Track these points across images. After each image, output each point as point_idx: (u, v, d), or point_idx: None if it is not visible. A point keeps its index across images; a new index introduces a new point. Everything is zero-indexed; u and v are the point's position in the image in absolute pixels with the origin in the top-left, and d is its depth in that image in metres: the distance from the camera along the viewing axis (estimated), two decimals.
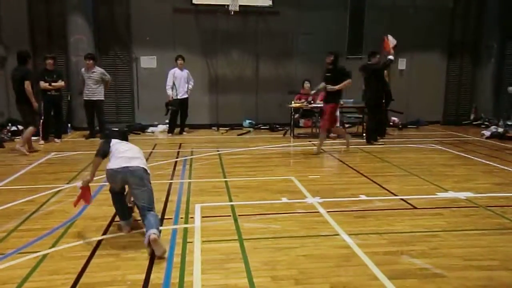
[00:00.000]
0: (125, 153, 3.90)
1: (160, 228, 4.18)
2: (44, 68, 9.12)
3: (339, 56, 8.16)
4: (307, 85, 10.56)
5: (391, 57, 8.95)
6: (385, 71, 10.34)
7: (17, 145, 8.03)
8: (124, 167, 3.79)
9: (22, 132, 8.73)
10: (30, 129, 8.07)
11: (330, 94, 8.00)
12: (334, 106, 8.05)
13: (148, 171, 3.93)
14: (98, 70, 9.64)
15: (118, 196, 4.00)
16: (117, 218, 4.44)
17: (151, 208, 3.78)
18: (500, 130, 10.18)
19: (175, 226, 4.25)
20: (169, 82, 10.28)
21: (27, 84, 7.89)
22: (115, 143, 4.03)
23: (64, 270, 3.30)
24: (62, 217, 4.50)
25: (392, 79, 11.49)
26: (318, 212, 4.66)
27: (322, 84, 8.03)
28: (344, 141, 8.55)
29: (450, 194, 5.34)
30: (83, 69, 9.63)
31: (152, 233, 3.50)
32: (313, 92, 8.78)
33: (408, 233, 4.07)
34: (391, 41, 9.01)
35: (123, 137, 4.34)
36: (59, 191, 5.48)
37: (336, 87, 7.88)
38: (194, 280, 3.14)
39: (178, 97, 10.31)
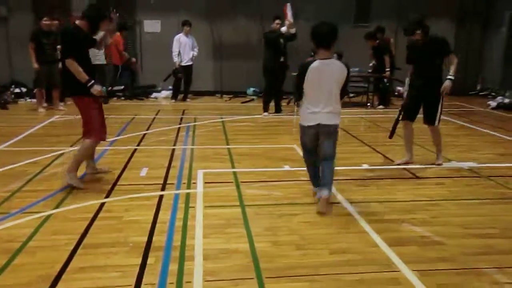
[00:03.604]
0: None
1: (164, 193, 4.22)
2: (50, 30, 8.97)
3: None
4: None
5: (284, 28, 8.29)
6: (391, 40, 10.19)
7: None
8: None
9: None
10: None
11: None
12: None
13: None
14: (99, 33, 9.49)
15: None
16: (120, 182, 4.48)
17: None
18: (507, 101, 10.06)
19: (177, 191, 4.28)
20: (175, 49, 10.10)
21: (30, 45, 7.84)
22: None
23: (67, 231, 3.35)
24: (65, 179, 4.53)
25: (399, 48, 11.29)
26: None
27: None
28: None
29: (453, 164, 5.33)
30: None
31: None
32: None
33: (409, 202, 4.09)
34: (288, 10, 8.33)
35: None
36: (62, 153, 5.51)
37: None
38: (195, 243, 3.18)
39: (182, 64, 10.19)
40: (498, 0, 11.91)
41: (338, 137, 3.90)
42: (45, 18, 8.44)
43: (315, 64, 3.64)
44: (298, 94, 3.87)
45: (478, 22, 12.26)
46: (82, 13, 4.34)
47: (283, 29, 8.34)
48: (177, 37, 10.13)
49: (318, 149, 3.87)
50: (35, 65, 8.23)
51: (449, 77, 4.96)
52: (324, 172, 3.84)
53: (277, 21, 8.47)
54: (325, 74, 3.64)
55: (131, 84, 10.71)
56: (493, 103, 10.14)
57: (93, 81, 4.18)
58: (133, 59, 10.62)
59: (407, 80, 5.33)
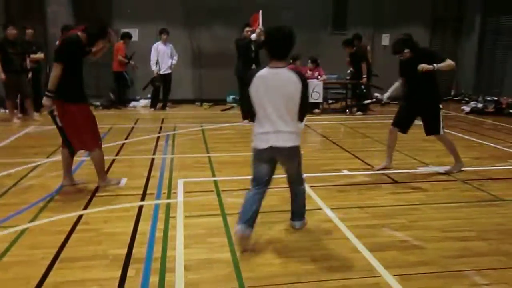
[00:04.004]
0: None
1: (143, 203, 4.16)
2: (23, 39, 8.81)
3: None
4: (297, 62, 10.46)
5: (254, 36, 8.31)
6: (368, 48, 10.38)
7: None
8: None
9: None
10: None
11: None
12: None
13: None
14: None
15: None
16: (99, 193, 4.41)
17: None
18: (480, 105, 10.33)
19: (157, 201, 4.22)
20: (153, 57, 10.08)
21: None
22: None
23: (43, 245, 3.26)
24: (42, 191, 4.43)
25: (375, 55, 11.51)
26: None
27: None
28: None
29: (430, 168, 5.42)
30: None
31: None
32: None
33: (389, 207, 4.14)
34: (260, 17, 8.31)
35: None
36: (38, 165, 5.38)
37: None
38: (176, 254, 3.14)
39: (161, 72, 10.14)
40: (469, 7, 12.27)
41: (301, 160, 3.45)
42: (10, 27, 8.26)
43: (262, 72, 3.08)
44: (251, 111, 3.27)
45: (450, 28, 12.60)
46: (85, 27, 4.35)
47: (253, 36, 8.37)
48: (155, 45, 10.09)
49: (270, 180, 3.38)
50: (2, 75, 8.04)
51: (434, 64, 4.77)
52: (294, 198, 3.56)
53: (247, 28, 8.50)
54: (273, 85, 3.05)
55: (122, 91, 10.68)
56: (466, 108, 10.40)
57: (51, 94, 4.18)
58: (134, 65, 10.48)
59: (392, 88, 5.35)
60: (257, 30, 8.31)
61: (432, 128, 5.12)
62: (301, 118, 3.23)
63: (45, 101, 4.22)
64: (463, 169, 5.28)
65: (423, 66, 4.75)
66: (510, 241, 3.40)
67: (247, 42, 8.40)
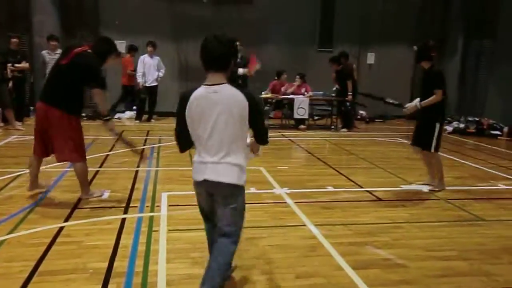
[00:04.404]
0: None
1: (126, 216, 4.11)
2: (8, 48, 8.72)
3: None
4: (283, 77, 10.58)
5: (241, 71, 8.61)
6: (353, 66, 10.56)
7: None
8: None
9: None
10: None
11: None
12: None
13: None
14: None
15: None
16: (81, 205, 4.34)
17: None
18: (462, 125, 10.54)
19: (140, 214, 4.17)
20: (139, 70, 10.09)
21: None
22: None
23: (22, 257, 3.18)
24: (22, 202, 4.34)
25: (361, 73, 11.67)
26: (285, 202, 4.69)
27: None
28: None
29: (414, 187, 5.48)
30: (44, 52, 9.31)
31: None
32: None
33: (372, 224, 4.16)
34: (257, 63, 8.72)
35: None
36: (19, 175, 5.28)
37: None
38: (158, 269, 3.09)
39: (147, 85, 10.13)
40: (453, 28, 12.59)
41: (243, 209, 2.64)
42: (14, 37, 8.28)
43: (199, 91, 2.48)
44: (180, 142, 2.68)
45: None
46: (91, 46, 4.39)
47: (241, 71, 8.46)
48: (141, 58, 10.12)
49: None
50: None
51: (417, 101, 5.20)
52: (212, 259, 2.57)
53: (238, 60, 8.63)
54: (212, 105, 2.45)
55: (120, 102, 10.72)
56: (449, 128, 10.58)
57: (109, 117, 4.53)
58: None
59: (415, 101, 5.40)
60: (249, 70, 8.43)
61: (422, 142, 5.23)
62: (260, 141, 2.74)
63: (109, 125, 4.47)
64: (446, 188, 5.35)
65: (409, 109, 5.25)
66: (490, 261, 3.44)
67: (234, 72, 8.52)
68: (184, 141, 2.64)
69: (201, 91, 2.49)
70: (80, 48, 4.31)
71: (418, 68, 12.67)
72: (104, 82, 4.46)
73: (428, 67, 5.12)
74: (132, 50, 10.40)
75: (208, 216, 2.75)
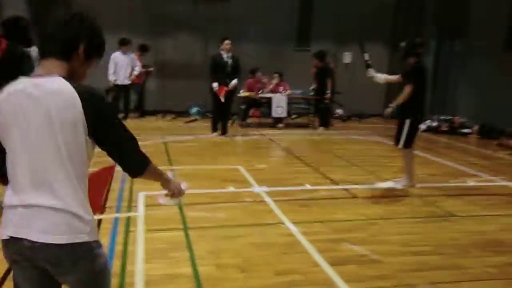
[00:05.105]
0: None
1: (102, 216, 4.05)
2: None
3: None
4: (258, 74, 10.57)
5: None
6: (331, 65, 10.66)
7: None
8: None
9: None
10: None
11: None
12: None
13: None
14: (35, 49, 9.12)
15: None
16: None
17: None
18: (435, 124, 10.80)
19: (117, 215, 4.13)
20: (110, 67, 9.89)
21: None
22: None
23: None
24: None
25: (337, 72, 11.80)
26: (264, 201, 4.71)
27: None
28: None
29: (388, 184, 5.59)
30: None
31: None
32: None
33: (349, 221, 4.22)
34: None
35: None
36: None
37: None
38: (136, 269, 3.07)
39: (118, 83, 9.94)
40: (425, 31, 12.86)
41: (103, 274, 1.65)
42: None
43: (18, 84, 1.56)
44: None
45: None
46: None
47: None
48: (112, 55, 9.91)
49: None
50: None
51: (382, 75, 5.50)
52: None
53: (226, 41, 8.39)
54: (28, 105, 1.52)
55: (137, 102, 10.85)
56: (422, 126, 10.81)
57: None
58: (150, 69, 10.65)
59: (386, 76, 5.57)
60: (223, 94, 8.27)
61: (396, 137, 5.32)
62: (129, 171, 1.76)
63: None
64: (418, 185, 5.47)
65: (388, 112, 5.29)
66: (463, 255, 3.55)
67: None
68: (1, 162, 1.59)
69: (21, 83, 1.55)
70: None
71: (394, 68, 12.97)
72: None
73: (413, 62, 5.17)
74: (143, 50, 10.40)
75: None
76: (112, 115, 1.65)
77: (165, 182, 1.90)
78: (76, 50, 1.61)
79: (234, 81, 8.40)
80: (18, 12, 10.06)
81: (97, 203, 2.46)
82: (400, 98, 5.12)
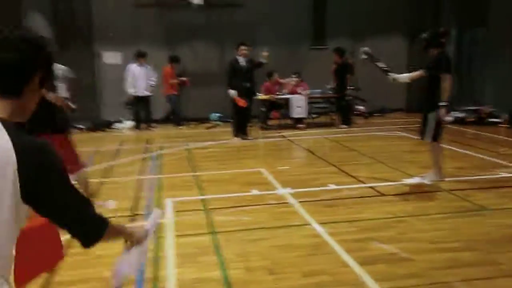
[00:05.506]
0: None
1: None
2: None
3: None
4: (274, 76, 10.56)
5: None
6: (350, 61, 10.55)
7: None
8: None
9: None
10: None
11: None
12: None
13: None
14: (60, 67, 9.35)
15: None
16: None
17: None
18: (461, 115, 10.55)
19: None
20: (128, 79, 10.04)
21: None
22: None
23: None
24: None
25: (356, 68, 11.69)
26: (288, 202, 4.72)
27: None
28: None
29: (416, 180, 5.50)
30: None
31: None
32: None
33: (376, 220, 4.18)
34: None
35: None
36: None
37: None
38: (168, 274, 3.13)
39: (137, 95, 10.09)
40: (444, 20, 12.61)
41: None
42: None
43: None
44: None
45: None
46: None
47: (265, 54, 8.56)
48: (129, 68, 10.05)
49: None
50: None
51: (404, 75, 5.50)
52: None
53: (242, 47, 8.53)
54: None
55: (172, 111, 10.94)
56: (450, 118, 10.59)
57: None
58: (184, 79, 10.71)
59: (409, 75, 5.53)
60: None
61: (421, 132, 5.27)
62: (81, 238, 1.39)
63: None
64: (447, 179, 5.37)
65: (443, 114, 5.08)
66: (496, 250, 3.47)
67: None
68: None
69: None
70: None
71: (413, 61, 12.76)
72: None
73: (437, 52, 5.09)
74: (174, 61, 10.54)
75: None
76: (58, 175, 1.29)
77: (128, 236, 1.66)
78: (28, 81, 1.26)
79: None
80: (40, 32, 10.44)
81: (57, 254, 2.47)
82: (445, 93, 5.01)
